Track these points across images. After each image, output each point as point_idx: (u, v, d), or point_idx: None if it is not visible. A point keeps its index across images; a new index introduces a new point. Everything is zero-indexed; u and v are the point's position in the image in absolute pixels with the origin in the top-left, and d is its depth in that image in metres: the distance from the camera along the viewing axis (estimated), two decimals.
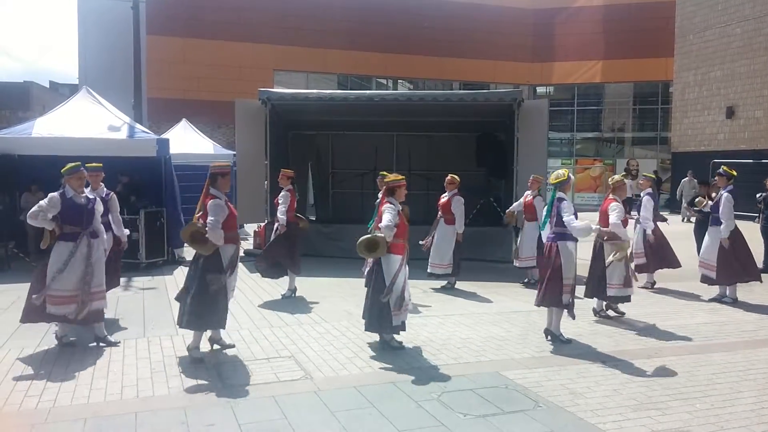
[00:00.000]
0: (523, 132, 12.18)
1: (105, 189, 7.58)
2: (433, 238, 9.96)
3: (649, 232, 9.97)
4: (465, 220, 10.03)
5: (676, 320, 8.11)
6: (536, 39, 34.39)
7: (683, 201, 20.81)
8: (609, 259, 7.82)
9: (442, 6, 32.78)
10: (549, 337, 6.98)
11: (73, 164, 6.59)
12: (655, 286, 10.23)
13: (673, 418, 4.88)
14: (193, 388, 5.45)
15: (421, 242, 9.80)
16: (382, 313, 6.42)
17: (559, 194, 6.92)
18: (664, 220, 10.81)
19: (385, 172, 9.14)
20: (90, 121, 11.91)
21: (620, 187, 8.26)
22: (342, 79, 33.42)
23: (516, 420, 4.83)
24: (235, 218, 6.51)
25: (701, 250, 9.57)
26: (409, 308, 7.03)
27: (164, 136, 13.88)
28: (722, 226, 8.93)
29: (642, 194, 10.37)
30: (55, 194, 6.44)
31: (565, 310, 6.92)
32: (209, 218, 6.08)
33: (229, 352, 6.48)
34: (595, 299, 8.24)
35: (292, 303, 8.93)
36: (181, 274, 11.17)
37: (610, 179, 8.61)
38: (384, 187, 6.81)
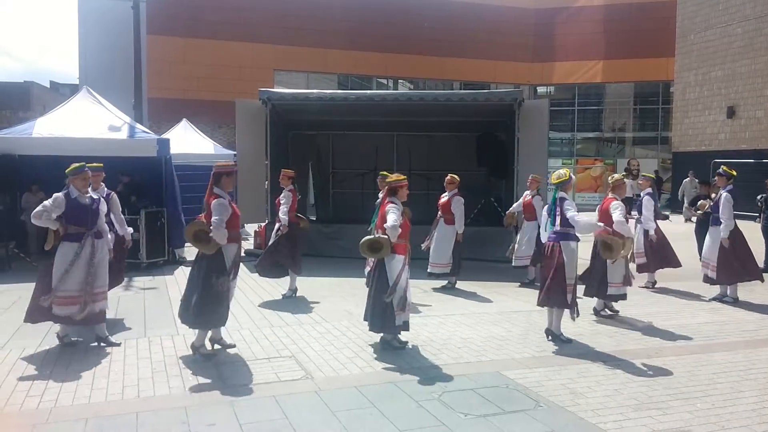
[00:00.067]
0: (523, 132, 12.18)
1: (105, 189, 7.59)
2: (432, 237, 9.97)
3: (651, 232, 9.98)
4: (465, 220, 10.03)
5: (677, 320, 8.11)
6: (537, 39, 34.37)
7: (685, 201, 20.80)
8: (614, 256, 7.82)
9: (443, 6, 32.76)
10: (550, 337, 6.98)
11: (77, 164, 6.61)
12: (655, 286, 10.23)
13: (674, 418, 4.88)
14: (194, 388, 5.46)
15: (422, 245, 9.81)
16: (385, 313, 6.42)
17: (561, 194, 6.92)
18: (666, 217, 10.80)
19: (385, 172, 9.16)
20: (90, 121, 11.92)
21: (620, 186, 8.27)
22: (342, 79, 33.41)
23: (517, 420, 4.83)
24: (238, 218, 6.53)
25: (703, 250, 9.57)
26: (410, 308, 7.03)
27: (165, 136, 13.88)
28: (722, 226, 8.94)
29: (642, 194, 10.38)
30: (60, 194, 6.45)
31: (566, 310, 6.91)
32: (214, 217, 6.09)
33: (230, 351, 6.49)
34: (596, 299, 8.25)
35: (292, 303, 8.94)
36: (181, 273, 11.19)
37: (610, 178, 8.61)
38: (386, 187, 6.80)
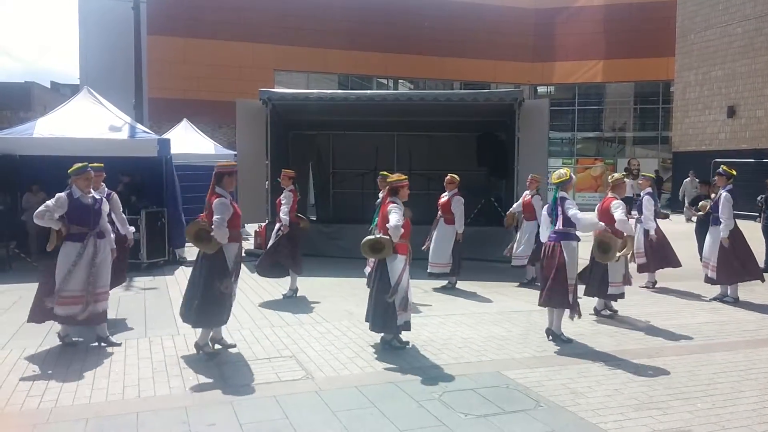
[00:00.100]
0: (523, 132, 12.18)
1: (106, 189, 7.59)
2: (432, 237, 9.97)
3: (651, 232, 9.98)
4: (465, 220, 10.03)
5: (677, 320, 8.11)
6: (537, 39, 34.36)
7: (685, 201, 20.81)
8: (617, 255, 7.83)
9: (443, 6, 32.76)
10: (550, 337, 6.98)
11: (80, 165, 6.61)
12: (656, 286, 10.23)
13: (675, 418, 4.88)
14: (195, 388, 5.46)
15: (423, 247, 9.82)
16: (387, 313, 6.42)
17: (561, 193, 6.92)
18: (667, 216, 10.80)
19: (385, 172, 9.17)
20: (91, 122, 11.93)
21: (620, 185, 8.28)
22: (342, 79, 33.41)
23: (517, 420, 4.83)
24: (239, 217, 6.55)
25: (704, 250, 9.57)
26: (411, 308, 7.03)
27: (165, 136, 13.88)
28: (721, 226, 8.94)
29: (642, 194, 10.39)
30: (62, 194, 6.46)
31: (566, 310, 6.92)
32: (215, 216, 6.10)
33: (231, 351, 6.49)
34: (596, 298, 8.25)
35: (293, 303, 8.94)
36: (182, 274, 11.19)
37: (609, 177, 8.62)
38: (387, 187, 6.81)
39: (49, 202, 6.41)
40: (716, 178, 9.48)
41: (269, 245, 9.29)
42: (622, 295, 8.18)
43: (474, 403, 5.13)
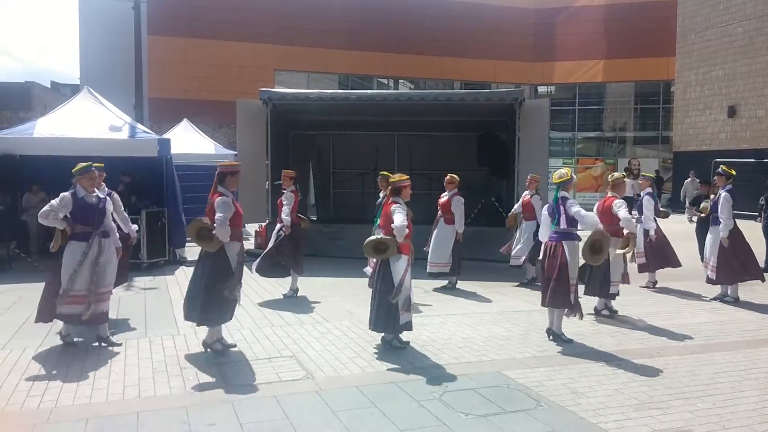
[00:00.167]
0: (524, 131, 12.18)
1: (106, 189, 7.58)
2: (432, 237, 9.97)
3: (651, 232, 9.97)
4: (466, 220, 10.03)
5: (677, 319, 8.11)
6: (537, 38, 34.35)
7: (686, 202, 20.81)
8: (617, 251, 7.85)
9: (443, 6, 32.76)
10: (551, 337, 6.98)
11: (84, 164, 6.62)
12: (656, 286, 10.23)
13: (675, 418, 4.87)
14: (195, 388, 5.46)
15: (425, 248, 9.82)
16: (390, 313, 6.41)
17: (563, 193, 6.92)
18: (667, 216, 10.79)
19: (385, 172, 9.18)
20: (91, 122, 11.93)
21: (620, 184, 8.29)
22: (343, 79, 33.41)
23: (517, 419, 4.83)
24: (241, 217, 6.56)
25: (705, 251, 9.56)
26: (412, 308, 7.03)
27: (165, 136, 13.88)
28: (721, 226, 8.94)
29: (642, 194, 10.39)
30: (67, 194, 6.47)
31: (566, 309, 6.91)
32: (217, 214, 6.12)
33: (231, 351, 6.49)
34: (597, 298, 8.25)
35: (293, 302, 8.94)
36: (182, 273, 11.20)
37: (609, 176, 8.62)
38: (389, 187, 6.80)
39: (53, 202, 6.41)
40: (716, 178, 9.48)
41: (271, 245, 9.28)
42: (617, 293, 8.20)
43: (474, 403, 5.13)
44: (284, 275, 9.40)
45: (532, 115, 12.37)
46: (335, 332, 7.29)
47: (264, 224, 13.14)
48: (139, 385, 5.51)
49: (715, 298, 9.29)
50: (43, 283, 6.67)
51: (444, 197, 9.98)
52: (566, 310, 6.91)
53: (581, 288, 7.78)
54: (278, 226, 9.27)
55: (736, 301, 9.12)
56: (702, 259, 10.18)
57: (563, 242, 6.81)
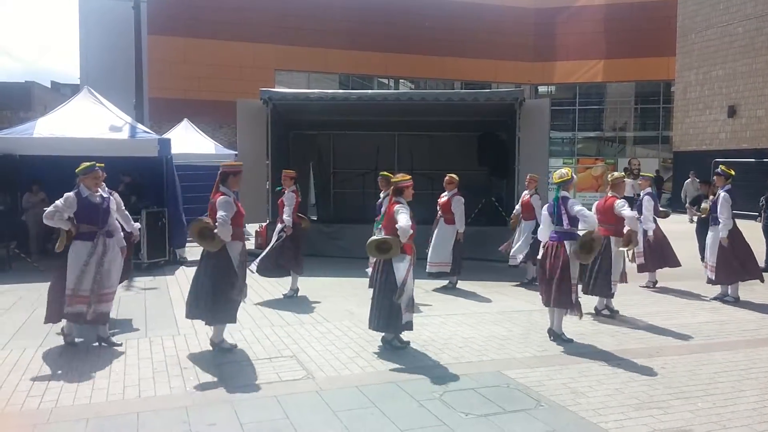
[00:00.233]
0: (524, 131, 12.18)
1: (106, 188, 7.58)
2: (432, 237, 9.97)
3: (650, 232, 9.97)
4: (466, 220, 10.03)
5: (677, 319, 8.11)
6: (538, 38, 34.37)
7: (687, 202, 20.80)
8: (619, 249, 7.88)
9: (443, 5, 32.77)
10: (552, 337, 6.98)
11: (87, 164, 6.62)
12: (656, 286, 10.22)
13: (675, 417, 4.87)
14: (195, 388, 5.45)
15: (427, 250, 9.81)
16: (392, 313, 6.41)
17: (563, 193, 6.92)
18: (667, 215, 10.79)
19: (385, 172, 9.18)
20: (91, 122, 11.93)
21: (619, 184, 8.30)
22: (343, 79, 33.42)
23: (518, 419, 4.83)
24: (243, 217, 6.57)
25: (706, 251, 9.56)
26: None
27: (166, 136, 13.89)
28: (720, 226, 8.94)
29: (642, 194, 10.39)
30: (71, 194, 6.46)
31: (567, 309, 6.91)
32: (219, 213, 6.12)
33: (232, 351, 6.49)
34: (597, 298, 8.25)
35: (293, 302, 8.94)
36: (182, 274, 11.20)
37: (609, 176, 8.62)
38: (392, 187, 6.80)
39: (58, 203, 6.40)
40: (715, 177, 9.48)
41: (272, 246, 9.27)
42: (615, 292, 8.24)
43: (475, 403, 5.13)
44: (285, 275, 9.41)
45: (533, 114, 12.37)
46: (335, 332, 7.29)
47: (264, 224, 13.14)
48: (140, 385, 5.51)
49: (715, 298, 9.29)
50: (44, 283, 6.68)
51: (444, 197, 9.98)
52: (566, 309, 6.91)
53: (579, 287, 7.79)
54: (279, 226, 9.27)
55: (736, 301, 9.12)
56: (702, 259, 10.18)
57: (565, 242, 6.81)
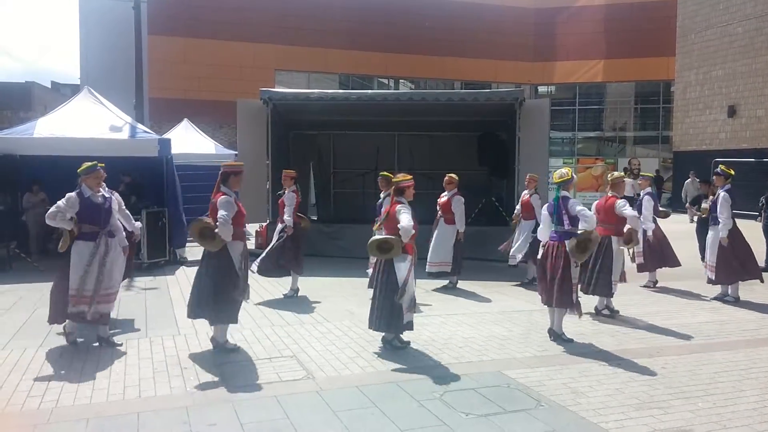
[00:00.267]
0: (524, 131, 12.18)
1: (106, 188, 7.58)
2: (432, 237, 9.97)
3: (649, 232, 9.97)
4: (466, 220, 10.03)
5: (677, 319, 8.11)
6: (538, 38, 34.36)
7: (687, 201, 20.81)
8: (620, 247, 7.90)
9: (443, 5, 32.76)
10: (552, 337, 6.98)
11: (89, 164, 6.63)
12: (656, 285, 10.22)
13: (675, 417, 4.87)
14: (196, 388, 5.46)
15: (428, 250, 9.82)
16: (393, 313, 6.41)
17: (563, 193, 6.92)
18: (667, 216, 10.79)
19: (386, 172, 9.18)
20: (92, 122, 11.93)
21: (619, 183, 8.31)
22: (343, 79, 33.41)
23: (518, 419, 4.83)
24: (244, 216, 6.57)
25: (706, 251, 9.56)
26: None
27: (166, 136, 13.89)
28: (720, 225, 8.94)
29: (642, 193, 10.39)
30: (73, 194, 6.46)
31: (567, 308, 6.91)
32: (220, 212, 6.12)
33: (232, 351, 6.49)
34: (597, 298, 8.25)
35: (293, 302, 8.94)
36: (182, 274, 11.20)
37: (609, 175, 8.62)
38: (393, 187, 6.80)
39: (60, 203, 6.40)
40: (714, 177, 9.49)
41: (273, 246, 9.27)
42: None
43: (475, 403, 5.13)
44: (285, 275, 9.41)
45: (533, 114, 12.37)
46: (336, 332, 7.29)
47: (264, 224, 13.14)
48: (140, 386, 5.51)
49: (715, 298, 9.29)
50: (44, 284, 6.68)
51: (444, 197, 9.98)
52: (567, 309, 6.91)
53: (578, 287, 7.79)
54: (280, 226, 9.27)
55: (736, 301, 9.12)
56: (702, 259, 10.17)
57: (566, 242, 6.81)
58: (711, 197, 9.62)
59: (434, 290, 9.87)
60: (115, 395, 5.28)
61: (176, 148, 12.95)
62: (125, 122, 12.30)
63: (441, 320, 7.93)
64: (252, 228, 14.85)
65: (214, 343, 6.48)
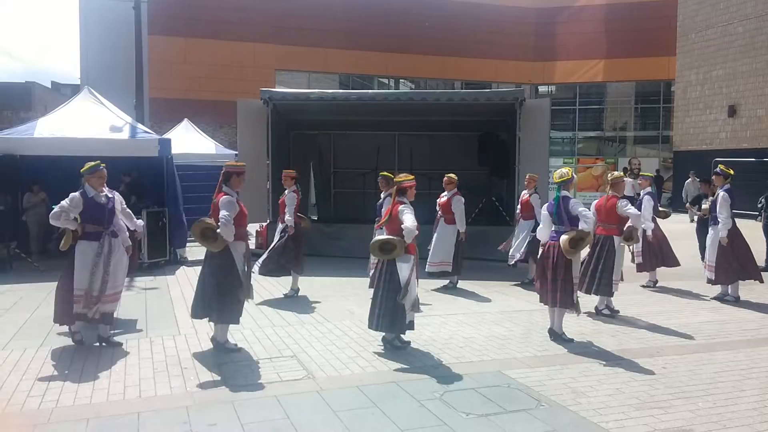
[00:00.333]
0: (524, 131, 12.18)
1: (107, 188, 7.57)
2: (433, 237, 9.97)
3: (648, 232, 9.97)
4: (466, 220, 10.02)
5: (678, 319, 8.11)
6: (538, 38, 34.38)
7: (688, 201, 20.81)
8: (621, 244, 7.95)
9: (443, 5, 32.76)
10: (552, 337, 6.98)
11: (92, 163, 6.63)
12: (656, 285, 10.22)
13: (676, 417, 4.87)
14: (196, 388, 5.46)
15: (429, 248, 9.81)
16: (395, 313, 6.41)
17: (564, 192, 6.92)
18: (667, 216, 10.79)
19: (386, 172, 9.18)
20: (92, 122, 11.93)
21: (619, 183, 8.29)
22: (344, 79, 33.43)
23: (518, 419, 4.83)
24: (246, 217, 6.56)
25: (706, 251, 9.56)
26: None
27: (166, 136, 13.89)
28: (719, 225, 8.94)
29: (642, 193, 10.39)
30: (76, 194, 6.46)
31: (568, 308, 6.91)
32: (222, 212, 6.12)
33: (232, 351, 6.49)
34: (597, 298, 8.24)
35: (294, 302, 8.94)
36: (183, 274, 11.20)
37: (609, 175, 8.61)
38: (395, 187, 6.80)
39: (64, 203, 6.40)
40: (714, 177, 9.49)
41: (274, 246, 9.27)
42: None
43: (475, 403, 5.13)
44: (286, 274, 9.41)
45: (533, 114, 12.37)
46: (336, 332, 7.29)
47: (265, 224, 13.14)
48: (140, 385, 5.51)
49: (715, 298, 9.29)
50: (44, 284, 6.68)
51: (444, 197, 9.98)
52: (568, 309, 6.91)
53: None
54: (281, 226, 9.27)
55: (736, 301, 9.12)
56: (702, 259, 10.17)
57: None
58: (711, 197, 9.62)
59: (434, 290, 9.86)
60: (115, 395, 5.29)
61: (176, 148, 12.94)
62: (125, 122, 12.30)
63: (441, 320, 7.93)
64: (252, 228, 14.88)
65: (215, 343, 6.49)
